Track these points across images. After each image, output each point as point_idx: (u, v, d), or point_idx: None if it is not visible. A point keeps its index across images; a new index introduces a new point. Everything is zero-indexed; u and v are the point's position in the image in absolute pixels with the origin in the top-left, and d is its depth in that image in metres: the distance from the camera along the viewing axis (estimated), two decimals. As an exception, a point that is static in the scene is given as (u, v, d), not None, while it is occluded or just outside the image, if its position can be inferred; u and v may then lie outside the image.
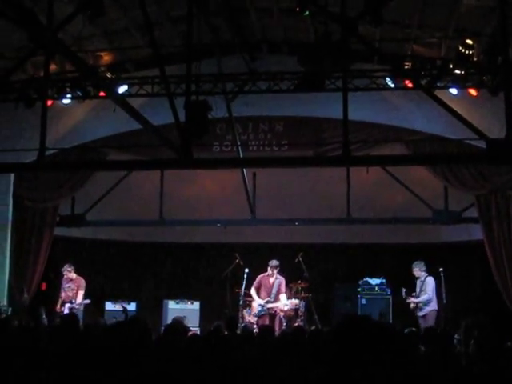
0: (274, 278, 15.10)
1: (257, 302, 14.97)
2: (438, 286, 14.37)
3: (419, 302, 14.16)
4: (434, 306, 14.08)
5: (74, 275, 14.97)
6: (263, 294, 15.03)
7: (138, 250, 18.83)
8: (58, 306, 14.78)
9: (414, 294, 14.29)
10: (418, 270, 14.32)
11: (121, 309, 15.80)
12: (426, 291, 14.15)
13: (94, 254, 18.45)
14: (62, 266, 15.23)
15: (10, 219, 16.05)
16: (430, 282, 14.16)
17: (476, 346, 6.69)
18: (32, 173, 15.74)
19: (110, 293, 17.53)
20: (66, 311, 14.44)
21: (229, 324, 9.85)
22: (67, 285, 14.89)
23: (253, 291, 15.11)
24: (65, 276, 15.00)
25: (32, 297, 15.83)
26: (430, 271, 14.60)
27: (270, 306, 14.94)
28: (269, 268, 15.05)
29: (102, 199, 17.08)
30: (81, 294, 14.76)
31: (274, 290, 15.02)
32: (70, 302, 14.65)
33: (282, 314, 15.33)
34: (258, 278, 15.18)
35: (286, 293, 15.12)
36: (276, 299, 14.98)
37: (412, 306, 14.24)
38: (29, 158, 12.38)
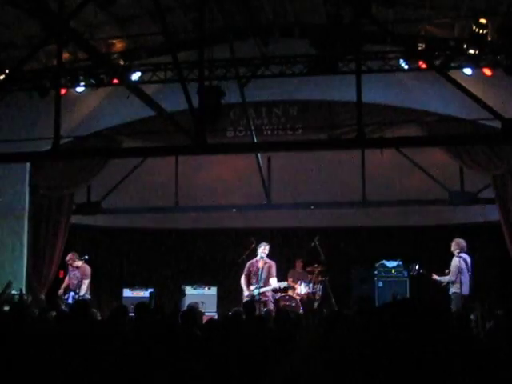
0: (262, 262, 14.84)
1: (245, 292, 14.70)
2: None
3: (441, 282, 13.50)
4: (455, 288, 13.29)
5: (79, 263, 14.97)
6: (252, 280, 14.75)
7: (154, 236, 18.90)
8: (62, 291, 14.85)
9: (446, 272, 13.54)
10: (452, 248, 13.56)
11: (138, 295, 15.94)
12: (450, 272, 13.44)
13: (110, 242, 18.55)
14: (80, 254, 15.34)
15: (26, 208, 16.13)
16: (453, 262, 13.42)
17: (495, 327, 6.68)
18: (47, 161, 15.79)
19: (127, 280, 17.62)
20: (70, 300, 14.50)
21: (246, 308, 9.87)
22: (73, 272, 14.96)
23: (243, 280, 14.84)
24: (70, 265, 15.08)
25: (50, 284, 15.94)
26: (447, 253, 14.52)
27: (261, 290, 14.68)
28: (260, 250, 14.85)
29: (117, 186, 17.13)
30: (85, 283, 14.71)
31: (264, 275, 14.72)
32: (74, 292, 14.68)
33: (298, 298, 15.36)
34: (247, 265, 15.00)
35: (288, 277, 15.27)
36: (266, 284, 14.72)
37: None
38: (44, 146, 12.44)
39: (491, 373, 1.94)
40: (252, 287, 14.67)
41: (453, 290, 13.35)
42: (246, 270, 14.93)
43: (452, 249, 13.62)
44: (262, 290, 14.65)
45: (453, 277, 13.37)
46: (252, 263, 14.93)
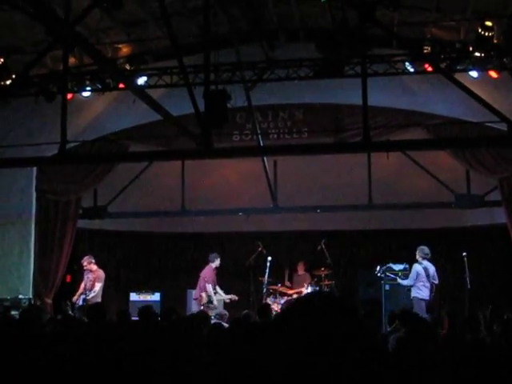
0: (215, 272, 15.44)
1: (214, 301, 15.00)
2: (461, 270, 14.32)
3: (403, 285, 14.28)
4: (414, 293, 13.82)
5: (94, 267, 14.98)
6: (213, 287, 15.18)
7: (161, 240, 18.91)
8: (76, 297, 14.86)
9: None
10: (417, 255, 14.13)
11: (145, 299, 15.98)
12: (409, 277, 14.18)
13: (117, 246, 18.56)
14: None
15: (33, 213, 16.15)
16: (414, 268, 14.02)
17: (502, 331, 6.67)
18: (54, 166, 15.81)
19: (133, 284, 17.63)
20: (81, 303, 14.53)
21: (260, 311, 9.83)
22: (86, 276, 14.97)
23: (210, 288, 15.01)
24: (85, 267, 15.08)
25: (57, 289, 15.96)
26: (453, 256, 14.59)
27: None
28: (218, 261, 15.28)
29: (123, 191, 17.14)
30: (97, 286, 14.74)
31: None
32: (85, 294, 14.71)
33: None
34: (212, 274, 15.20)
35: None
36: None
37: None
38: (50, 151, 12.45)
39: (498, 375, 1.94)
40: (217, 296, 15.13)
41: (412, 294, 13.90)
42: (212, 278, 15.12)
43: (416, 256, 14.12)
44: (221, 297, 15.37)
45: (410, 281, 13.99)
46: (214, 271, 15.23)
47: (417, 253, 14.09)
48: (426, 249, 14.07)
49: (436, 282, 13.93)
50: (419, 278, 13.80)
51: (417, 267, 13.94)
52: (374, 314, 13.23)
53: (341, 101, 14.82)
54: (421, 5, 12.84)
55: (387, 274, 14.82)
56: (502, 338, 7.35)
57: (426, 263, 13.95)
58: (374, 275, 15.94)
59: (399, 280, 14.39)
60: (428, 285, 13.77)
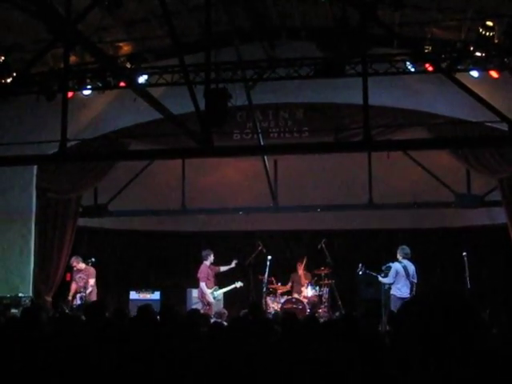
0: (212, 268, 15.60)
1: (210, 298, 15.17)
2: (461, 270, 14.32)
3: (384, 283, 14.53)
4: (392, 291, 14.03)
5: (82, 265, 15.10)
6: (209, 284, 15.28)
7: (161, 239, 18.91)
8: (70, 298, 14.88)
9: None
10: (398, 254, 14.31)
11: (145, 298, 15.98)
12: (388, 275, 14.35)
13: (117, 244, 18.58)
14: (87, 257, 15.38)
15: (33, 211, 16.13)
16: (393, 267, 14.17)
17: (498, 331, 6.65)
18: (54, 164, 15.81)
19: (133, 282, 17.63)
20: (78, 301, 14.56)
21: (252, 310, 9.85)
22: (77, 275, 15.05)
23: (204, 286, 15.18)
24: (74, 268, 15.17)
25: (57, 287, 15.97)
26: (454, 256, 14.59)
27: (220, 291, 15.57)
28: (212, 257, 15.39)
29: (124, 189, 17.16)
30: (91, 281, 14.88)
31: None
32: (82, 293, 14.75)
33: (305, 300, 15.35)
34: (207, 271, 15.33)
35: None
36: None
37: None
38: (51, 149, 12.45)
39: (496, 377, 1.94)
40: (209, 290, 15.17)
41: (391, 291, 14.14)
42: (206, 275, 15.25)
43: (397, 255, 14.31)
44: (221, 291, 15.55)
45: (390, 279, 14.19)
46: (210, 268, 15.38)
47: (398, 252, 14.28)
48: (406, 248, 14.26)
49: (415, 280, 14.06)
50: (399, 276, 13.98)
51: (396, 265, 14.13)
52: (374, 313, 13.30)
53: (341, 100, 14.81)
54: (422, 4, 12.82)
55: (368, 272, 14.89)
56: (499, 339, 7.34)
57: (405, 262, 14.12)
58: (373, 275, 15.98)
59: (380, 278, 14.54)
60: (408, 283, 13.95)
